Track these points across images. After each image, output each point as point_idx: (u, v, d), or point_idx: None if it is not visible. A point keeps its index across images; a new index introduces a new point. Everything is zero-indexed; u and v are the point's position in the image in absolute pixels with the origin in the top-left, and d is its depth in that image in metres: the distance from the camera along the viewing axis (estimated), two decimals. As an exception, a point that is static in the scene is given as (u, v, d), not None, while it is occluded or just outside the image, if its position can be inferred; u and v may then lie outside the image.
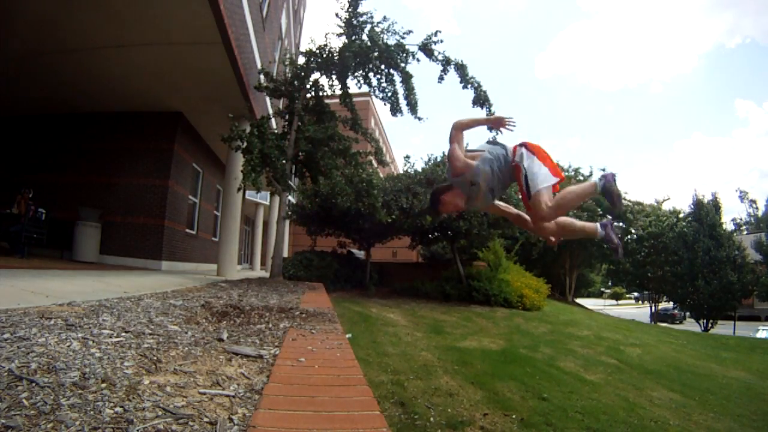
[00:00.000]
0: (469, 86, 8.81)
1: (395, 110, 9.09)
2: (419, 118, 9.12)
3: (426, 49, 8.85)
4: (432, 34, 8.85)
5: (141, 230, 9.91)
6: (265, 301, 4.39)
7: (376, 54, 8.67)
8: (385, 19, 8.79)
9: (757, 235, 28.74)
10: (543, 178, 2.57)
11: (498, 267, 13.46)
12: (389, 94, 9.06)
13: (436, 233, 13.00)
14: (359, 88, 9.39)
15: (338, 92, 9.41)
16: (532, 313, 11.65)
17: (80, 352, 1.72)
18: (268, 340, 2.47)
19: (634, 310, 40.71)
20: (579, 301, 27.98)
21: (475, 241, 13.91)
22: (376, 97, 9.24)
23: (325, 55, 8.86)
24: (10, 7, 6.57)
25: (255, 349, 2.20)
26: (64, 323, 2.20)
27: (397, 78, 8.96)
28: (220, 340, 2.32)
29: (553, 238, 2.85)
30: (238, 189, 8.34)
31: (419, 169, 13.11)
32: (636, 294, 52.45)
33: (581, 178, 23.41)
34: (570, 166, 24.15)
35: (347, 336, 2.89)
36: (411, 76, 8.95)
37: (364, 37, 8.59)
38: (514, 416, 4.12)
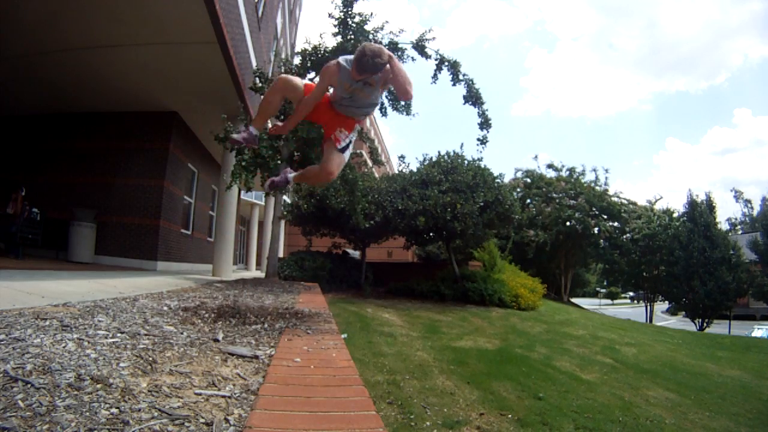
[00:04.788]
0: (461, 83, 8.81)
1: (393, 108, 9.09)
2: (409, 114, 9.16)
3: (419, 47, 8.84)
4: (426, 31, 8.85)
5: (136, 230, 9.87)
6: (261, 302, 4.39)
7: None
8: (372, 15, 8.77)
9: (752, 235, 28.95)
10: None
11: (493, 267, 13.49)
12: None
13: (431, 233, 12.98)
14: None
15: None
16: (527, 313, 11.66)
17: (75, 353, 1.72)
18: (264, 340, 2.47)
19: (629, 309, 40.84)
20: (574, 300, 28.03)
21: (470, 241, 13.92)
22: None
23: (320, 55, 8.85)
24: (4, 6, 6.53)
25: (251, 349, 2.20)
26: (59, 324, 2.19)
27: None
28: (216, 340, 2.32)
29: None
30: (227, 188, 8.32)
31: (414, 170, 13.10)
32: (631, 294, 52.57)
33: (576, 176, 23.33)
34: (563, 166, 24.16)
35: (343, 336, 2.89)
36: None
37: (360, 37, 8.58)
38: (510, 416, 4.13)
